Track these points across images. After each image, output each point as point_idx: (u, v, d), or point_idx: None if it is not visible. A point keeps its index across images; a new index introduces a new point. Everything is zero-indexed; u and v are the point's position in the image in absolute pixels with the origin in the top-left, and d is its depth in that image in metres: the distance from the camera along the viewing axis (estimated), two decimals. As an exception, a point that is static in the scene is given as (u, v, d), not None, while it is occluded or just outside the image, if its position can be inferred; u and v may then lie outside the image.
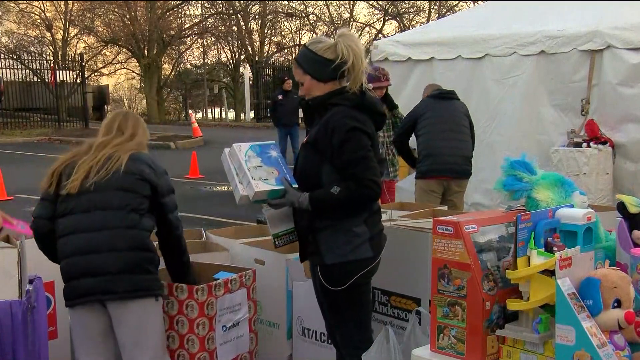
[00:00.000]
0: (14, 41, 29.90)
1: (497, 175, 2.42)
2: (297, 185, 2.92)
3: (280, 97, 12.86)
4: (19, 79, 23.89)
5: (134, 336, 2.97)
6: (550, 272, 1.97)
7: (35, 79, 24.33)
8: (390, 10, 31.79)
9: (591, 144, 6.39)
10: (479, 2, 24.08)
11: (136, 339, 2.97)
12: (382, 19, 32.85)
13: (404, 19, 31.92)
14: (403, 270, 3.38)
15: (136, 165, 3.00)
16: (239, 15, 32.54)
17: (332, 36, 2.96)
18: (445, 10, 29.83)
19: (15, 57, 24.60)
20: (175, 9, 31.82)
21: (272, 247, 3.78)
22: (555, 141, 6.77)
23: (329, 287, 2.89)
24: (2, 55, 24.33)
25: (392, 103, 6.07)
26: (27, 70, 24.24)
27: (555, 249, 2.01)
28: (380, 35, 29.82)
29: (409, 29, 27.06)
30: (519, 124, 7.00)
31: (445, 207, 4.98)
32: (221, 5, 32.43)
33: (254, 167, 2.92)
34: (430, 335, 2.21)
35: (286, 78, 13.30)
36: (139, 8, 30.23)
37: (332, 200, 2.80)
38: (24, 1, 29.81)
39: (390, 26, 33.17)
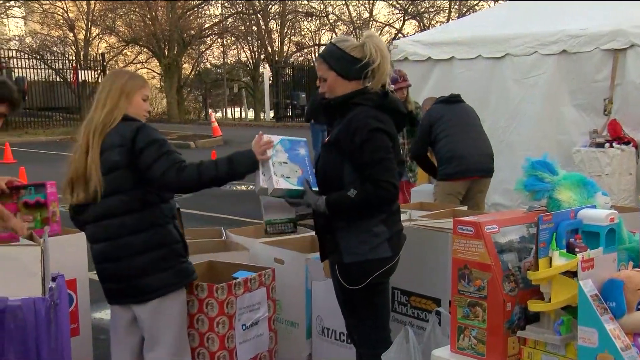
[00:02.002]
0: (38, 41, 30.27)
1: (517, 176, 2.41)
2: (317, 189, 2.91)
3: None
4: (42, 78, 24.22)
5: (153, 331, 3.04)
6: (572, 274, 1.95)
7: (58, 79, 24.62)
8: (410, 9, 31.70)
9: (614, 144, 6.33)
10: (500, 1, 23.90)
11: (154, 334, 3.04)
12: (401, 18, 32.77)
13: (424, 19, 31.82)
14: (423, 271, 3.37)
15: (108, 159, 2.88)
16: (259, 15, 32.64)
17: (354, 36, 2.97)
18: (465, 9, 29.68)
19: (38, 57, 24.92)
20: (195, 9, 31.99)
21: (292, 247, 3.81)
22: (577, 141, 6.71)
23: (347, 285, 2.90)
24: (26, 55, 24.65)
25: (413, 119, 6.12)
26: (50, 70, 24.53)
27: (577, 250, 1.99)
28: (399, 34, 29.73)
29: (428, 28, 26.97)
30: (539, 124, 6.95)
31: (465, 207, 4.96)
32: (241, 5, 32.55)
33: (279, 163, 2.89)
34: (451, 336, 2.20)
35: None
36: (159, 8, 30.43)
37: (349, 203, 2.81)
38: (48, 1, 30.13)
39: (410, 26, 33.10)
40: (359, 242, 2.86)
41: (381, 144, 2.82)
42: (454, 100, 5.79)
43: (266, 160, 2.89)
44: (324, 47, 3.07)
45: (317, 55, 3.12)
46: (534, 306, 2.04)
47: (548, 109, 6.93)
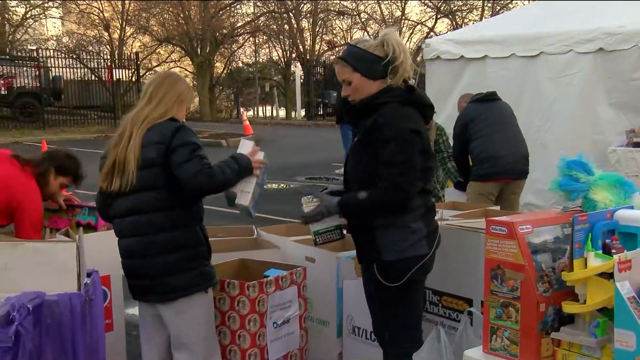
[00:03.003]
0: (74, 41, 30.79)
1: (551, 176, 2.38)
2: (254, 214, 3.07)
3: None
4: (77, 77, 24.61)
5: (177, 331, 3.05)
6: (608, 275, 1.93)
7: (93, 78, 25.00)
8: (442, 8, 31.47)
9: (652, 144, 6.22)
10: (534, -2, 23.60)
11: (179, 334, 3.05)
12: (434, 17, 32.55)
13: (457, 17, 31.57)
14: (455, 270, 3.35)
15: (147, 156, 2.91)
16: (291, 14, 32.73)
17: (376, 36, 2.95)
18: (499, 7, 29.38)
19: (74, 57, 25.34)
20: (228, 8, 32.20)
21: (323, 245, 3.80)
22: (612, 141, 6.60)
23: (387, 283, 2.87)
24: (63, 54, 25.09)
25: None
26: (86, 69, 24.93)
27: (613, 251, 1.96)
28: (432, 33, 29.54)
29: (461, 27, 26.73)
30: (573, 124, 6.85)
31: (497, 207, 4.91)
32: (273, 4, 32.67)
33: (257, 183, 3.05)
34: (483, 337, 2.18)
35: None
36: (192, 7, 30.70)
37: (358, 205, 2.81)
38: (85, 1, 30.63)
39: (443, 24, 32.87)
40: (397, 239, 2.84)
41: (404, 147, 2.78)
42: (491, 98, 5.72)
43: (253, 177, 3.02)
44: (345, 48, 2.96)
45: (339, 58, 2.99)
46: (568, 307, 2.01)
47: (583, 108, 6.83)
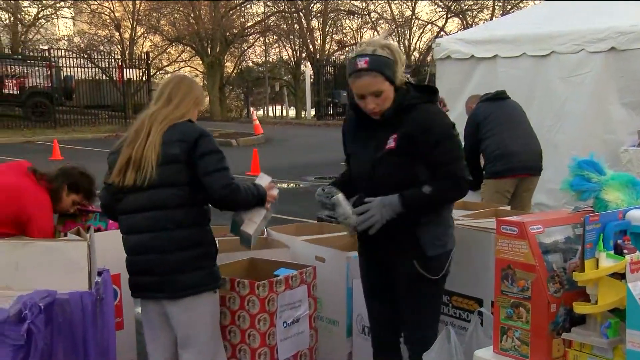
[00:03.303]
0: (85, 41, 30.95)
1: (562, 176, 2.37)
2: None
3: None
4: (88, 77, 24.76)
5: (185, 330, 3.03)
6: (620, 276, 1.92)
7: (104, 77, 25.13)
8: (453, 7, 31.41)
9: (664, 143, 6.18)
10: (545, -2, 23.50)
11: (187, 333, 3.03)
12: (444, 16, 32.50)
13: (467, 16, 31.52)
14: (465, 270, 3.34)
15: (168, 152, 2.91)
16: (301, 14, 32.77)
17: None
18: (509, 7, 29.28)
19: (85, 57, 25.49)
20: (238, 8, 32.26)
21: (333, 245, 3.81)
22: (624, 141, 6.56)
23: (430, 276, 2.91)
24: (74, 54, 25.24)
25: None
26: (97, 69, 25.06)
27: (625, 251, 1.95)
28: (442, 33, 29.47)
29: (472, 26, 26.67)
30: (585, 123, 6.82)
31: (508, 207, 4.89)
32: (283, 4, 32.71)
33: (265, 218, 3.13)
34: (493, 337, 2.18)
35: None
36: (203, 7, 30.78)
37: (425, 200, 2.83)
38: (96, 1, 30.79)
39: (453, 24, 32.83)
40: (440, 234, 2.92)
41: (455, 141, 2.89)
42: (501, 97, 5.71)
43: (263, 209, 3.11)
44: (361, 59, 2.79)
45: (364, 70, 2.77)
46: (580, 308, 2.00)
47: (595, 108, 6.79)
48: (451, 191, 2.89)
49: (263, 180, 3.19)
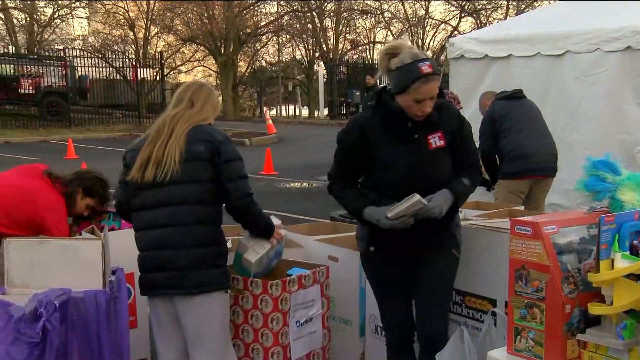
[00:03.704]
0: (100, 40, 31.13)
1: (577, 176, 2.36)
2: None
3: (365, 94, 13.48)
4: (103, 77, 24.91)
5: (197, 328, 3.02)
6: (635, 277, 1.90)
7: (118, 77, 25.26)
8: (466, 6, 31.29)
9: (681, 143, 6.12)
10: (560, -3, 23.35)
11: (198, 332, 3.02)
12: (458, 15, 32.37)
13: (481, 16, 31.37)
14: (478, 271, 3.33)
15: (192, 149, 2.96)
16: (314, 13, 32.76)
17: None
18: (524, 6, 29.11)
19: (100, 56, 25.63)
20: (251, 7, 32.32)
21: (346, 244, 3.81)
22: (640, 141, 6.51)
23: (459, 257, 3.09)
24: (89, 54, 25.40)
25: None
26: (111, 69, 25.20)
27: (641, 252, 1.94)
28: (456, 32, 29.37)
29: (485, 25, 26.54)
30: (600, 123, 6.76)
31: (522, 207, 4.87)
32: (296, 3, 32.73)
33: (267, 254, 3.29)
34: (507, 337, 2.17)
35: (368, 75, 13.84)
36: (216, 7, 30.86)
37: (469, 191, 3.04)
38: (110, 1, 30.96)
39: (467, 23, 32.69)
40: (457, 217, 3.12)
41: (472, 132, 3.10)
42: (517, 96, 5.67)
43: (268, 242, 3.25)
44: (424, 63, 2.80)
45: (430, 75, 2.80)
46: (595, 309, 1.99)
47: (610, 107, 6.74)
48: (479, 180, 3.10)
49: (273, 221, 3.33)
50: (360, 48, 35.83)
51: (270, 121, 21.53)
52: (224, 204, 3.06)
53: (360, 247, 3.17)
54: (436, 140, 2.92)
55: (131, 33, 31.80)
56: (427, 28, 34.30)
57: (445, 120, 2.93)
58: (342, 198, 3.10)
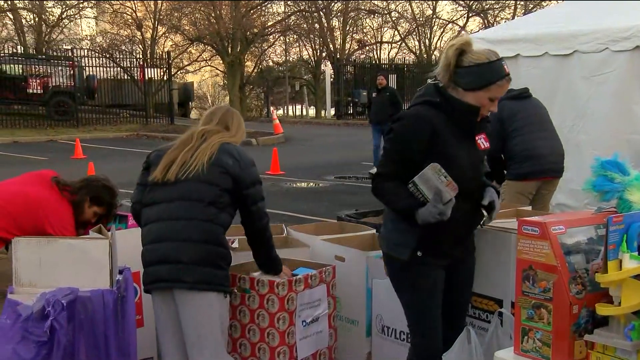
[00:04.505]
0: (107, 40, 31.23)
1: (584, 176, 2.35)
2: None
3: (374, 94, 13.48)
4: (110, 76, 24.97)
5: (196, 328, 2.98)
6: (643, 277, 1.89)
7: (126, 77, 25.33)
8: (474, 6, 31.22)
9: (689, 143, 6.08)
10: (568, -4, 23.26)
11: (198, 332, 2.99)
12: (465, 15, 32.31)
13: (489, 16, 31.30)
14: (484, 271, 3.32)
15: (222, 158, 3.05)
16: (321, 13, 32.75)
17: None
18: (532, 5, 29.03)
19: (108, 56, 25.71)
20: (258, 7, 32.34)
21: (353, 244, 3.81)
22: (649, 141, 6.47)
23: None
24: (97, 54, 25.48)
25: None
26: (118, 69, 25.26)
27: (649, 253, 1.93)
28: (463, 32, 29.30)
29: (493, 25, 26.47)
30: (608, 123, 6.73)
31: (529, 208, 4.85)
32: (304, 3, 32.73)
33: None
34: (514, 338, 2.17)
35: (379, 75, 13.97)
36: (223, 7, 30.89)
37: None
38: (118, 1, 31.06)
39: (474, 23, 32.65)
40: None
41: None
42: (525, 95, 5.65)
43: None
44: (504, 62, 2.84)
45: (508, 75, 2.85)
46: (602, 310, 1.98)
47: (618, 107, 6.71)
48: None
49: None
50: (367, 48, 35.80)
51: (277, 121, 21.54)
52: (243, 225, 3.19)
53: (403, 253, 2.88)
54: (483, 142, 2.95)
55: (139, 33, 31.87)
56: (435, 28, 34.28)
57: (483, 123, 2.96)
58: (393, 195, 2.84)
